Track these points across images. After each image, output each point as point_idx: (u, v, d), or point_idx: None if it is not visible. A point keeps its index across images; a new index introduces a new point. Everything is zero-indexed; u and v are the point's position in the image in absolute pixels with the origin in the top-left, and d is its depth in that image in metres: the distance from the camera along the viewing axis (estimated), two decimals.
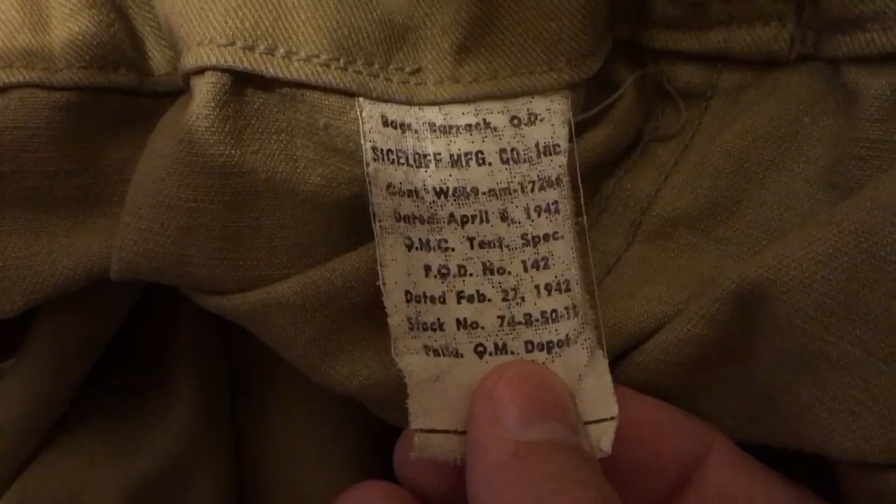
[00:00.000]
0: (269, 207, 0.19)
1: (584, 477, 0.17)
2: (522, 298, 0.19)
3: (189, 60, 0.18)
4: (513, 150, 0.20)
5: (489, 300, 0.19)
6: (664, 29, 0.21)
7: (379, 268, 0.19)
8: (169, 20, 0.19)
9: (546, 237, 0.19)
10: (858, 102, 0.18)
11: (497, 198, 0.19)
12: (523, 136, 0.20)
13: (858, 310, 0.17)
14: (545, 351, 0.19)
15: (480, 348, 0.19)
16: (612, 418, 0.18)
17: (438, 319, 0.19)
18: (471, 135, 0.20)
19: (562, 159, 0.20)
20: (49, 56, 0.19)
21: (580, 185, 0.20)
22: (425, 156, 0.19)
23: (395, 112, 0.19)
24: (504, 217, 0.19)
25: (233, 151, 0.18)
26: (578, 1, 0.19)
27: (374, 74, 0.19)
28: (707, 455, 0.19)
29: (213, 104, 0.18)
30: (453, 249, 0.19)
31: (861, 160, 0.18)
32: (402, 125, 0.19)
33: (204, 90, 0.18)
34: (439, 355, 0.19)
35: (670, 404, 0.20)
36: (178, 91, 0.20)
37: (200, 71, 0.18)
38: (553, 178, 0.20)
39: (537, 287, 0.19)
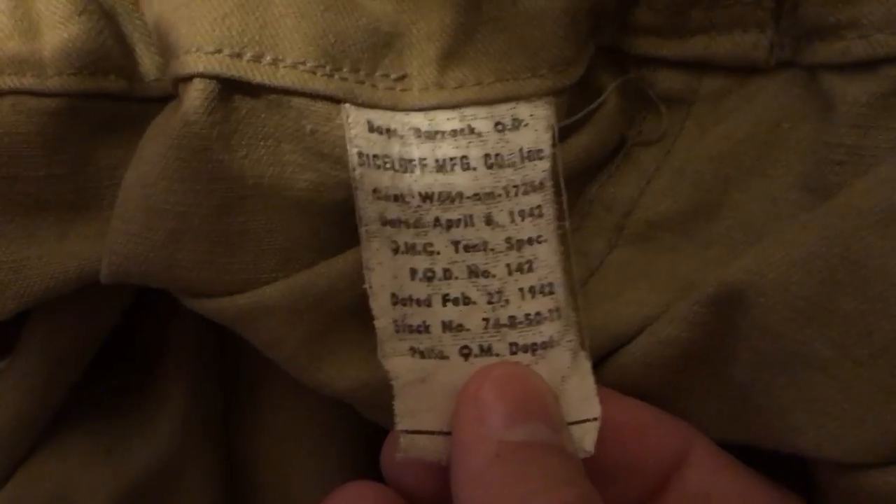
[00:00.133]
0: (257, 212, 0.19)
1: (567, 476, 0.17)
2: (507, 301, 0.19)
3: (177, 68, 0.18)
4: (497, 155, 0.20)
5: (474, 303, 0.19)
6: (646, 36, 0.21)
7: (365, 271, 0.19)
8: (158, 27, 0.19)
9: (530, 241, 0.20)
10: (835, 108, 0.19)
11: (482, 202, 0.20)
12: (507, 142, 0.20)
13: (833, 312, 0.17)
14: (529, 352, 0.19)
15: (466, 350, 0.19)
16: (595, 419, 0.19)
17: (424, 322, 0.19)
18: (456, 140, 0.20)
19: (545, 164, 0.20)
20: (39, 63, 0.19)
21: (564, 189, 0.20)
22: (411, 161, 0.20)
23: (380, 118, 0.19)
24: (489, 221, 0.20)
25: (221, 157, 0.19)
26: (561, 8, 0.19)
27: (360, 81, 0.19)
28: (688, 455, 0.19)
29: (201, 110, 0.18)
30: (439, 253, 0.20)
31: (838, 165, 0.19)
32: (387, 131, 0.19)
33: (192, 97, 0.18)
34: (425, 357, 0.19)
35: (652, 405, 0.20)
36: (167, 96, 0.20)
37: (189, 78, 0.18)
38: (537, 183, 0.20)
39: (521, 290, 0.20)
